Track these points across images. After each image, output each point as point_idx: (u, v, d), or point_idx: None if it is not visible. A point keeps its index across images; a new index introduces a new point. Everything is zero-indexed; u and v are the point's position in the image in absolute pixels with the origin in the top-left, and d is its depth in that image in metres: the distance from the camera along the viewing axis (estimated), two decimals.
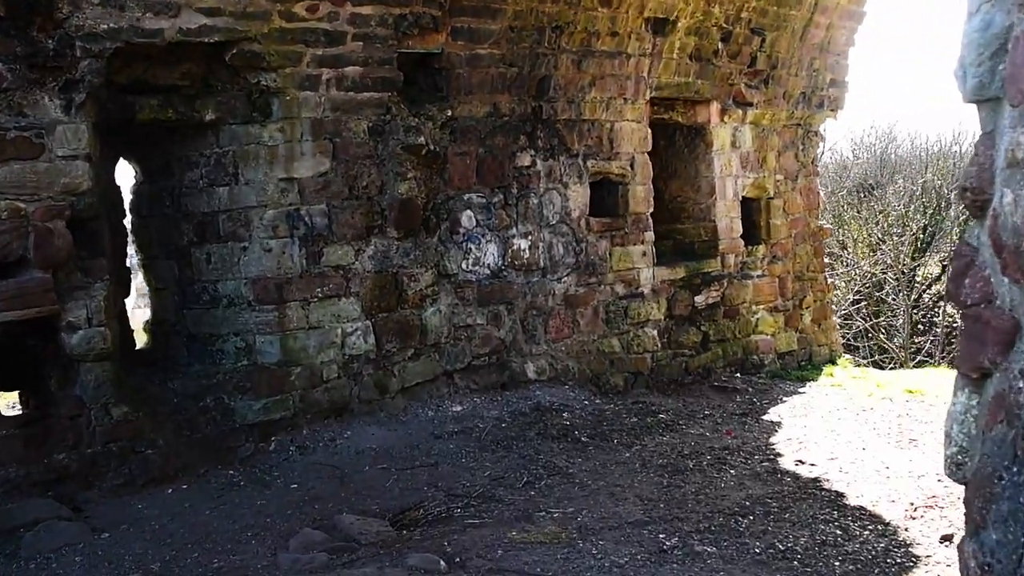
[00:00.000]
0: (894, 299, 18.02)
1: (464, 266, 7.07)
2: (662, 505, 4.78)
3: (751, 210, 9.62)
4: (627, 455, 5.82)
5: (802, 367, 9.97)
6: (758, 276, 9.60)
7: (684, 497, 4.92)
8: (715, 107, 9.04)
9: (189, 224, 6.32)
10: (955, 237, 19.81)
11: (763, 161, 9.65)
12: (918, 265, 18.88)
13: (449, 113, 6.88)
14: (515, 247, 7.43)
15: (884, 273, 18.11)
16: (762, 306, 9.65)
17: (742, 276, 9.42)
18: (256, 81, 6.04)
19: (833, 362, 10.28)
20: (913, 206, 19.66)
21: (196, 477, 5.56)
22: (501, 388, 7.27)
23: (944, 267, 19.92)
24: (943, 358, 14.45)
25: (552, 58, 7.39)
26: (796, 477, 5.29)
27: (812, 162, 10.30)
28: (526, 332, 7.51)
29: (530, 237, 7.53)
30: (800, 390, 8.78)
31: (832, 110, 10.33)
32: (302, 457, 5.98)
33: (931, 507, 4.67)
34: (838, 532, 4.33)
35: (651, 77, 8.25)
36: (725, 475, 5.34)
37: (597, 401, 7.33)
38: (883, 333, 16.59)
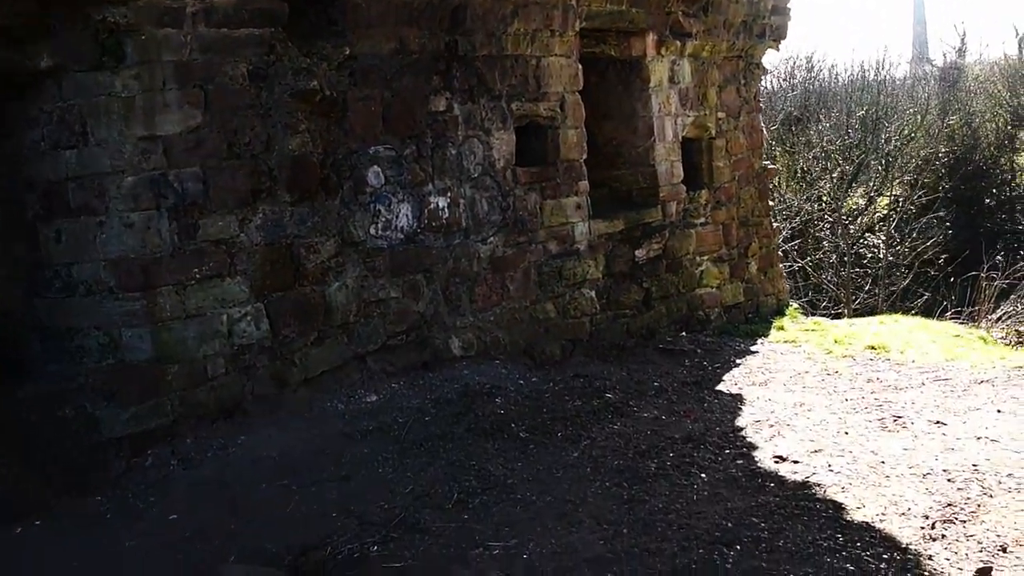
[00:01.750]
0: (827, 235, 17.50)
1: (373, 231, 6.04)
2: (626, 531, 3.89)
3: (692, 152, 8.73)
4: (575, 455, 4.92)
5: (750, 320, 9.21)
6: (701, 224, 8.75)
7: (651, 517, 4.04)
8: (651, 38, 8.07)
9: (33, 195, 5.16)
10: (880, 168, 19.41)
11: (703, 98, 8.74)
12: (846, 198, 18.40)
13: (347, 51, 5.78)
14: (432, 206, 6.41)
15: (817, 208, 17.55)
16: (706, 257, 8.82)
17: (684, 225, 8.55)
18: (102, 17, 4.85)
19: (781, 312, 9.55)
20: (840, 138, 19.12)
21: (50, 511, 4.51)
22: (423, 368, 6.30)
23: (871, 198, 19.53)
24: (887, 301, 13.92)
25: None
26: (780, 482, 4.45)
27: (754, 97, 9.43)
28: (449, 303, 6.53)
29: (449, 194, 6.52)
30: (752, 348, 8.01)
31: (774, 40, 9.45)
32: (186, 472, 4.94)
33: (950, 521, 3.88)
34: (849, 568, 3.49)
35: (580, 5, 7.23)
36: (695, 481, 4.47)
37: (533, 379, 6.42)
38: (818, 270, 16.01)
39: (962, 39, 28.03)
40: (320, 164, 5.70)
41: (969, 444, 4.89)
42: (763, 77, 9.54)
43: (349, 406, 5.67)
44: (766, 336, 8.57)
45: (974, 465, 4.54)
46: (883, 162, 19.26)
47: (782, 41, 9.53)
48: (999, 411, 5.53)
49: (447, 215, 6.50)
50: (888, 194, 19.75)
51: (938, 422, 5.32)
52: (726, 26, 8.71)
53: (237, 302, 5.36)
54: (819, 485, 4.36)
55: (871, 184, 19.27)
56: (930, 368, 6.83)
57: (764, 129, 9.73)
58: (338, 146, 5.81)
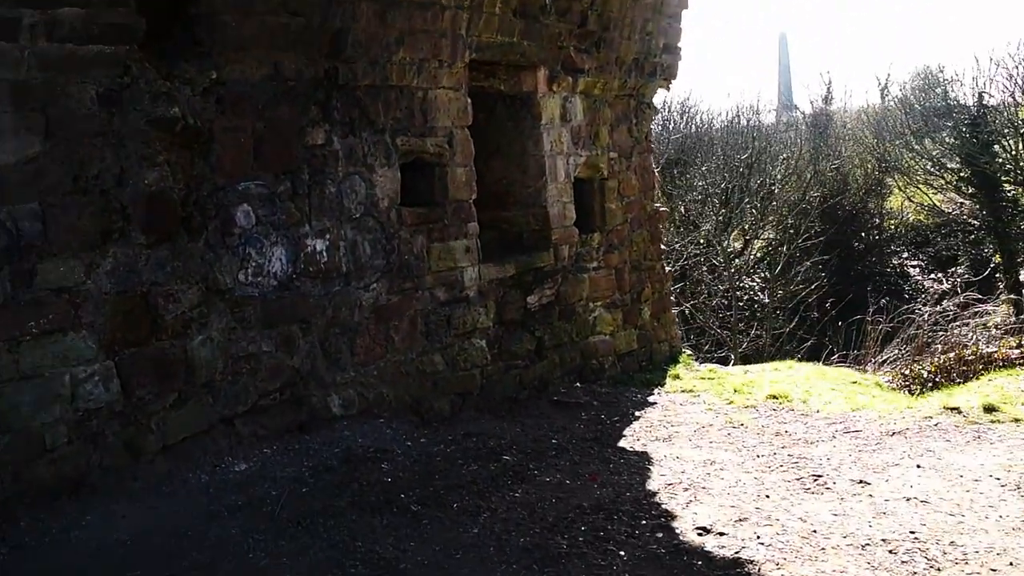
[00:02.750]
0: (707, 279, 17.53)
1: (242, 277, 5.38)
2: None
3: (583, 193, 8.35)
4: (475, 531, 4.36)
5: (644, 369, 8.85)
6: (594, 269, 8.37)
7: None
8: (543, 73, 7.68)
9: None
10: (754, 210, 19.69)
11: (595, 137, 8.40)
12: (724, 241, 18.53)
13: (214, 75, 5.15)
14: (309, 249, 5.80)
15: (696, 252, 17.57)
16: (599, 303, 8.43)
17: (577, 270, 8.15)
18: None
19: (675, 360, 9.23)
20: (718, 182, 19.32)
21: None
22: (299, 431, 5.65)
23: (746, 242, 19.75)
24: (773, 345, 13.87)
25: (349, 7, 5.77)
26: (708, 559, 3.99)
27: (646, 137, 9.16)
28: (328, 356, 5.90)
29: (328, 236, 5.92)
30: (649, 399, 7.63)
31: (665, 79, 9.21)
32: (19, 562, 4.16)
33: None
34: None
35: (470, 36, 6.77)
36: (614, 561, 3.96)
37: (422, 440, 5.83)
38: (701, 314, 15.93)
39: (828, 87, 29.00)
40: (182, 201, 5.03)
41: (900, 507, 4.56)
42: (654, 117, 9.29)
43: (214, 477, 4.97)
44: (662, 385, 8.22)
45: (912, 532, 4.20)
46: (758, 206, 19.54)
47: (672, 80, 9.31)
48: (919, 466, 5.25)
49: (326, 259, 5.89)
50: (763, 238, 20.06)
51: (861, 481, 4.99)
52: (618, 63, 8.41)
53: (82, 360, 4.62)
54: (751, 562, 3.92)
55: (747, 228, 19.51)
56: (837, 419, 6.56)
57: (655, 170, 9.46)
58: (203, 181, 5.15)
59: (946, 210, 23.07)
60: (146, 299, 4.87)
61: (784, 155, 21.79)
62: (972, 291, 14.19)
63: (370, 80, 6.09)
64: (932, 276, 23.70)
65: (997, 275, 21.86)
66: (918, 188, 23.20)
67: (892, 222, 23.62)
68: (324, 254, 5.88)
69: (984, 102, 21.82)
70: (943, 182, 22.79)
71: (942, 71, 27.11)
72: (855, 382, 8.32)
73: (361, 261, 6.14)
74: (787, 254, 18.35)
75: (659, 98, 9.28)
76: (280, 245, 5.60)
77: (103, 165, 4.65)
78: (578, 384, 7.93)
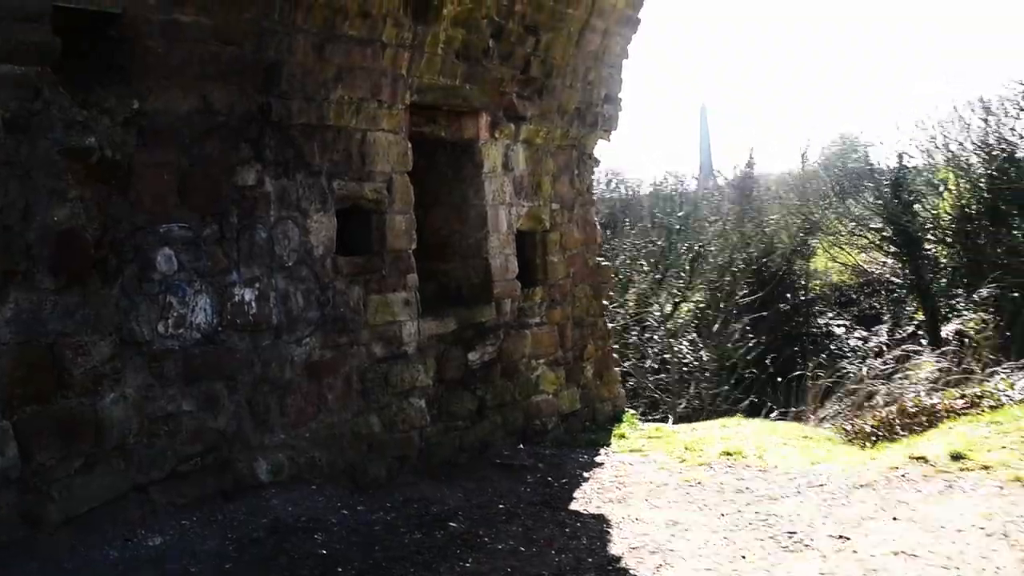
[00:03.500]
0: (638, 340, 17.30)
1: (162, 329, 4.87)
2: None
3: (525, 246, 8.01)
4: None
5: (587, 429, 8.46)
6: (537, 324, 8.00)
7: None
8: (485, 120, 7.37)
9: None
10: (685, 271, 19.70)
11: (538, 187, 8.09)
12: (654, 304, 18.40)
13: (136, 105, 4.69)
14: (237, 299, 5.31)
15: (628, 314, 17.36)
16: (542, 360, 8.04)
17: (519, 325, 7.77)
18: None
19: (619, 419, 8.87)
20: (648, 244, 19.31)
21: None
22: (223, 499, 5.09)
23: (676, 304, 19.67)
24: (711, 405, 13.59)
25: (285, 38, 5.38)
26: None
27: (588, 189, 8.90)
28: (256, 417, 5.39)
29: (258, 285, 5.44)
30: (596, 460, 7.24)
31: (605, 130, 8.98)
32: None
33: None
34: None
35: (411, 76, 6.43)
36: None
37: (359, 507, 5.33)
38: (635, 376, 15.63)
39: (750, 154, 29.53)
40: (95, 242, 4.52)
41: (890, 563, 4.24)
42: (595, 169, 9.04)
43: (125, 553, 4.40)
44: (608, 445, 7.83)
45: None
46: (687, 269, 19.53)
47: (613, 132, 9.09)
48: (895, 519, 4.97)
49: (255, 310, 5.41)
50: (692, 300, 20.00)
51: (840, 536, 4.67)
52: (560, 112, 8.16)
53: None
54: None
55: (676, 291, 19.45)
56: (798, 473, 6.25)
57: (598, 223, 9.18)
58: (120, 221, 4.65)
59: (869, 270, 23.42)
60: (51, 351, 4.33)
61: (712, 218, 21.99)
62: (907, 344, 14.17)
63: (306, 118, 5.69)
64: (857, 335, 24.02)
65: (920, 331, 22.16)
66: (842, 249, 23.54)
67: (817, 283, 23.85)
68: (253, 305, 5.39)
69: (904, 163, 22.32)
70: (866, 241, 23.17)
71: (861, 134, 27.81)
72: (806, 436, 8.06)
73: (293, 313, 5.67)
74: (715, 316, 18.28)
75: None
76: (205, 294, 5.10)
77: (7, 199, 4.13)
78: (521, 446, 7.49)
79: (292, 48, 5.43)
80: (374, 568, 4.34)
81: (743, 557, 4.46)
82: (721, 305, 18.90)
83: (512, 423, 7.58)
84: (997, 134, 21.77)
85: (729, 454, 7.02)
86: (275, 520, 4.89)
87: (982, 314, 22.07)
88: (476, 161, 7.37)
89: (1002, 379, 10.19)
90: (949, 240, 22.54)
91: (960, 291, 22.93)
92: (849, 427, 9.72)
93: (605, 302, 9.17)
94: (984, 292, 21.56)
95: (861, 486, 5.73)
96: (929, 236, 22.31)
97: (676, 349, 17.71)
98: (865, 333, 23.41)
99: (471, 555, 4.55)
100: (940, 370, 11.09)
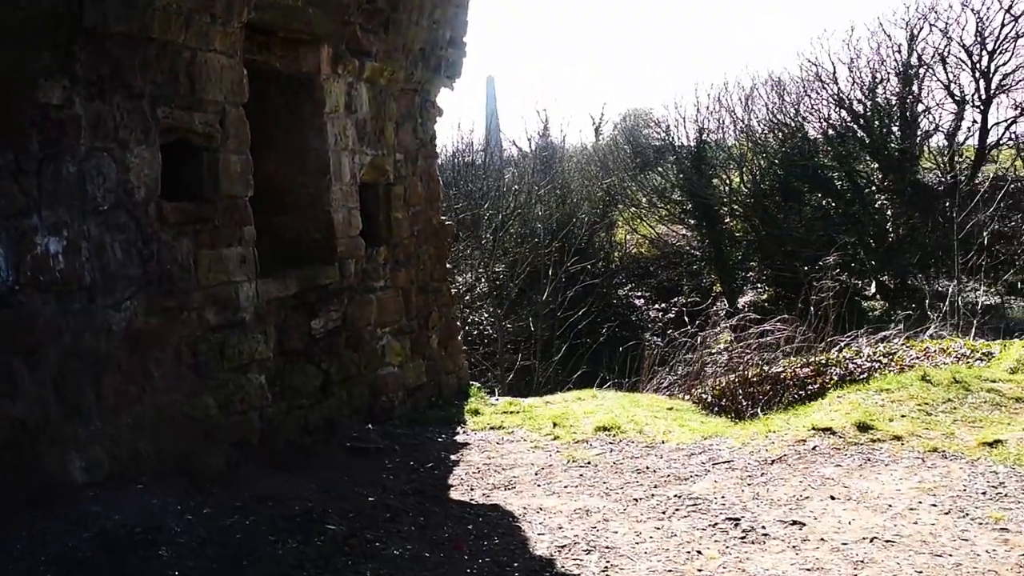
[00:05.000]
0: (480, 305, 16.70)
1: None
2: None
3: (367, 200, 7.07)
4: None
5: (435, 404, 7.66)
6: (381, 288, 7.10)
7: None
8: (327, 52, 6.37)
9: None
10: (486, 240, 19.19)
11: (381, 134, 7.17)
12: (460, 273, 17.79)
13: None
14: (40, 250, 4.13)
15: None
16: (387, 329, 7.16)
17: (364, 289, 6.84)
18: None
19: (464, 393, 8.11)
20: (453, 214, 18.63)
21: None
22: (28, 507, 3.94)
23: (479, 275, 19.14)
24: (544, 375, 13.09)
25: None
26: None
27: (431, 140, 8.03)
28: (66, 402, 4.23)
29: (66, 232, 4.27)
30: (456, 439, 6.49)
31: (449, 76, 8.14)
32: None
33: None
34: None
35: None
36: None
37: (205, 510, 4.30)
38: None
39: (545, 124, 29.34)
40: None
41: (873, 552, 3.76)
42: (438, 119, 8.17)
43: None
44: (463, 423, 7.07)
45: None
46: (489, 239, 19.00)
47: (456, 79, 8.26)
48: (833, 498, 4.51)
49: (62, 265, 4.25)
50: (493, 271, 19.48)
51: (794, 522, 4.14)
52: (405, 51, 7.25)
53: None
54: None
55: (478, 262, 18.89)
56: (693, 449, 5.74)
57: (440, 179, 8.35)
58: None
59: (669, 242, 23.79)
60: None
61: (515, 187, 21.57)
62: (747, 313, 14.18)
63: (126, 27, 4.53)
64: (656, 306, 24.39)
65: (719, 303, 22.74)
66: (642, 220, 23.79)
67: (617, 255, 24.00)
68: (60, 258, 4.23)
69: (704, 138, 22.74)
70: (666, 213, 23.50)
71: (652, 110, 28.26)
72: (672, 408, 7.60)
73: (110, 269, 4.53)
74: (516, 288, 17.90)
75: None
76: None
77: None
78: (370, 425, 6.60)
79: None
80: None
81: (699, 553, 3.83)
82: (519, 277, 18.52)
83: (358, 399, 6.67)
84: (794, 111, 22.54)
85: (606, 429, 6.42)
86: (102, 532, 3.80)
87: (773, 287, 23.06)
88: (316, 98, 6.37)
89: (845, 347, 10.22)
90: (745, 214, 23.22)
91: (754, 264, 23.76)
92: (708, 397, 9.46)
93: (448, 265, 8.36)
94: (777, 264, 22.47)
95: (773, 461, 5.27)
96: (725, 210, 22.88)
97: (474, 321, 17.23)
98: (663, 305, 23.94)
99: (367, 565, 3.67)
100: (778, 339, 11.01)
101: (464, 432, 6.73)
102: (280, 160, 6.38)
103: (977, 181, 22.42)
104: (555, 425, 6.64)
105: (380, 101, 7.12)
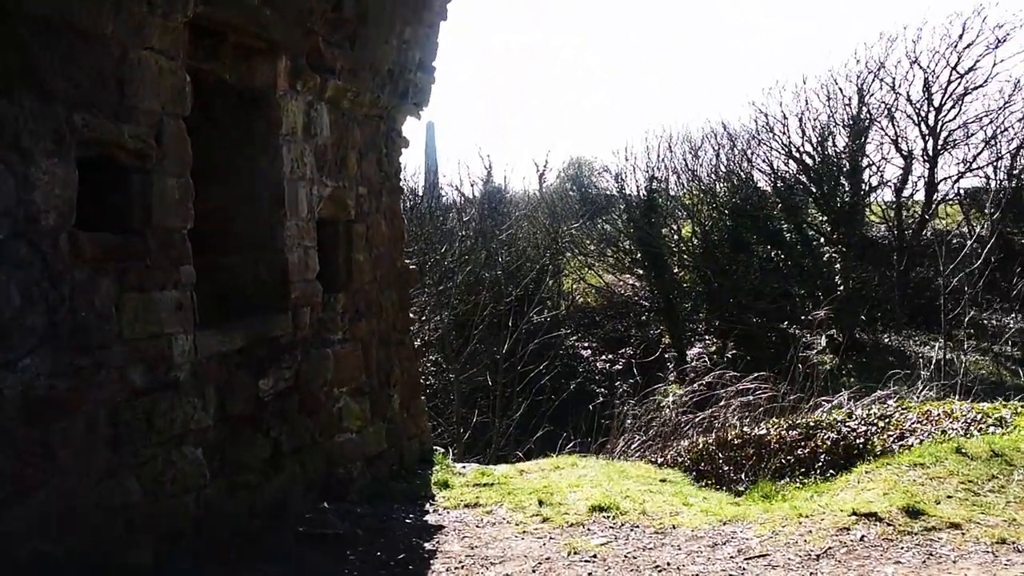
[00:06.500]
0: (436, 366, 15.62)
1: None
2: None
3: (325, 239, 6.09)
4: None
5: (397, 474, 6.67)
6: (339, 341, 6.10)
7: None
8: (284, 64, 5.43)
9: None
10: (429, 287, 18.21)
11: (343, 164, 6.22)
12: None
13: None
14: None
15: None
16: (345, 389, 6.15)
17: (320, 343, 5.84)
18: None
19: (428, 460, 7.13)
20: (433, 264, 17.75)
21: None
22: None
23: (422, 322, 18.13)
24: (504, 436, 12.07)
25: None
26: None
27: (396, 174, 7.11)
28: None
29: None
30: (429, 520, 5.52)
31: (416, 104, 7.24)
32: None
33: None
34: None
35: None
36: None
37: None
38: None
39: (488, 169, 28.56)
40: None
41: None
42: (403, 151, 7.24)
43: None
44: (431, 499, 6.08)
45: None
46: (433, 287, 18.05)
47: (424, 108, 7.36)
48: None
49: None
50: (438, 318, 18.47)
51: None
52: (372, 71, 6.35)
53: None
54: None
55: (424, 306, 17.89)
56: (714, 538, 4.86)
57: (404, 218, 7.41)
58: None
59: (617, 291, 23.10)
60: None
61: (460, 233, 20.73)
62: (710, 367, 13.38)
63: (43, 10, 3.55)
64: (603, 357, 23.57)
65: (667, 356, 22.02)
66: (590, 269, 23.10)
67: (563, 304, 23.20)
68: None
69: (654, 187, 22.19)
70: (615, 261, 22.84)
71: (615, 155, 27.75)
72: (664, 480, 6.71)
73: (3, 318, 3.49)
74: (461, 335, 16.95)
75: None
76: None
77: None
78: (326, 504, 5.57)
79: None
80: None
81: None
82: (466, 325, 17.58)
83: (312, 473, 5.64)
84: (744, 161, 22.15)
85: (602, 509, 5.48)
86: None
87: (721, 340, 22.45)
88: (271, 118, 5.41)
89: (834, 408, 9.46)
90: (695, 264, 22.67)
91: (702, 315, 23.14)
92: (686, 461, 8.62)
93: (416, 316, 7.40)
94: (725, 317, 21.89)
95: (818, 557, 4.39)
96: (675, 259, 22.30)
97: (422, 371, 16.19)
98: (610, 356, 23.17)
99: None
100: (754, 398, 10.20)
101: (435, 511, 5.74)
102: (226, 188, 5.40)
103: (924, 236, 22.30)
104: (541, 503, 5.69)
105: (343, 126, 6.18)
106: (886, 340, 21.92)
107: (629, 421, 9.95)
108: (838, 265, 22.82)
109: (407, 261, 7.33)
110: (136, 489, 4.11)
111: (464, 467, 7.20)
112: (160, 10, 4.19)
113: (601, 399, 11.93)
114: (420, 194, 23.66)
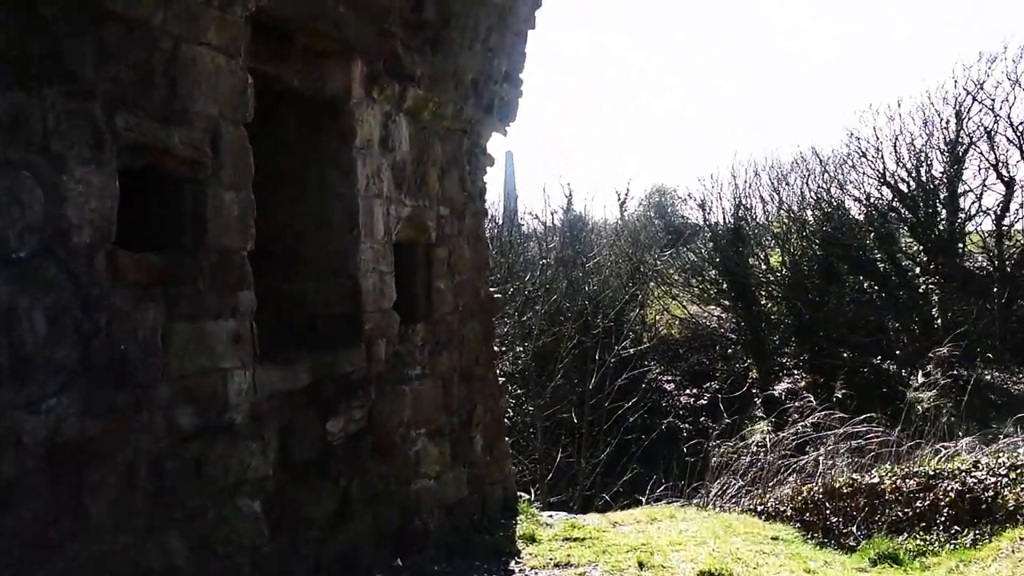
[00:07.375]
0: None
1: None
2: None
3: (403, 264, 5.53)
4: None
5: (478, 525, 6.03)
6: (418, 377, 5.51)
7: None
8: (360, 69, 4.88)
9: None
10: (510, 318, 17.58)
11: (423, 181, 5.66)
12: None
13: None
14: None
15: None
16: (423, 430, 5.54)
17: (396, 379, 5.25)
18: None
19: (512, 509, 6.49)
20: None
21: None
22: None
23: (502, 353, 17.50)
24: (589, 478, 11.35)
25: None
26: None
27: (480, 195, 6.52)
28: None
29: None
30: None
31: (502, 119, 6.67)
32: None
33: None
34: None
35: None
36: None
37: None
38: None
39: (568, 198, 27.95)
40: None
41: None
42: (488, 169, 6.67)
43: None
44: (517, 555, 5.42)
45: None
46: (515, 316, 17.43)
47: (510, 124, 6.79)
48: None
49: None
50: (518, 349, 17.85)
51: None
52: (455, 80, 5.79)
53: None
54: None
55: (504, 337, 17.28)
56: None
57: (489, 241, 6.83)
58: None
59: (702, 323, 22.23)
60: None
61: (541, 261, 20.12)
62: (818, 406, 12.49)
63: None
64: (687, 392, 22.63)
65: (754, 391, 21.02)
66: (674, 299, 22.27)
67: (646, 336, 22.38)
68: None
69: (741, 215, 21.34)
70: (700, 291, 21.99)
71: (701, 182, 26.98)
72: (776, 538, 5.95)
73: (26, 350, 2.95)
74: (540, 369, 16.26)
75: None
76: None
77: None
78: (400, 560, 4.95)
79: None
80: None
81: None
82: (547, 358, 16.89)
83: (385, 524, 5.03)
84: (834, 186, 21.20)
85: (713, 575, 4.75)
86: None
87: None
88: (345, 128, 4.87)
89: (955, 454, 8.55)
90: (783, 296, 21.71)
91: (791, 349, 22.09)
92: (787, 510, 7.81)
93: (496, 347, 6.79)
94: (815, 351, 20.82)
95: None
96: (764, 292, 21.36)
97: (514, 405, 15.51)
98: (694, 390, 22.23)
99: None
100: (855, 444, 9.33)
101: (521, 570, 5.09)
102: (292, 205, 4.86)
103: None
104: (641, 565, 4.99)
105: (423, 140, 5.63)
106: (987, 377, 20.65)
107: (715, 460, 9.12)
108: (935, 297, 21.62)
109: (491, 289, 6.71)
110: (181, 549, 3.54)
111: (551, 516, 6.52)
112: (218, 5, 3.67)
113: (688, 436, 11.09)
114: (500, 222, 23.20)
